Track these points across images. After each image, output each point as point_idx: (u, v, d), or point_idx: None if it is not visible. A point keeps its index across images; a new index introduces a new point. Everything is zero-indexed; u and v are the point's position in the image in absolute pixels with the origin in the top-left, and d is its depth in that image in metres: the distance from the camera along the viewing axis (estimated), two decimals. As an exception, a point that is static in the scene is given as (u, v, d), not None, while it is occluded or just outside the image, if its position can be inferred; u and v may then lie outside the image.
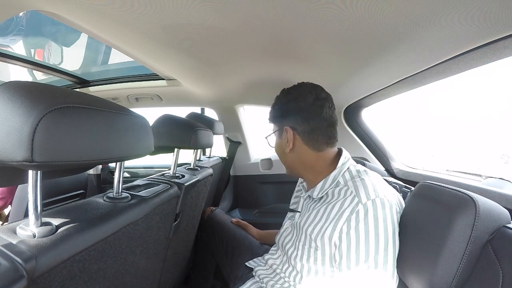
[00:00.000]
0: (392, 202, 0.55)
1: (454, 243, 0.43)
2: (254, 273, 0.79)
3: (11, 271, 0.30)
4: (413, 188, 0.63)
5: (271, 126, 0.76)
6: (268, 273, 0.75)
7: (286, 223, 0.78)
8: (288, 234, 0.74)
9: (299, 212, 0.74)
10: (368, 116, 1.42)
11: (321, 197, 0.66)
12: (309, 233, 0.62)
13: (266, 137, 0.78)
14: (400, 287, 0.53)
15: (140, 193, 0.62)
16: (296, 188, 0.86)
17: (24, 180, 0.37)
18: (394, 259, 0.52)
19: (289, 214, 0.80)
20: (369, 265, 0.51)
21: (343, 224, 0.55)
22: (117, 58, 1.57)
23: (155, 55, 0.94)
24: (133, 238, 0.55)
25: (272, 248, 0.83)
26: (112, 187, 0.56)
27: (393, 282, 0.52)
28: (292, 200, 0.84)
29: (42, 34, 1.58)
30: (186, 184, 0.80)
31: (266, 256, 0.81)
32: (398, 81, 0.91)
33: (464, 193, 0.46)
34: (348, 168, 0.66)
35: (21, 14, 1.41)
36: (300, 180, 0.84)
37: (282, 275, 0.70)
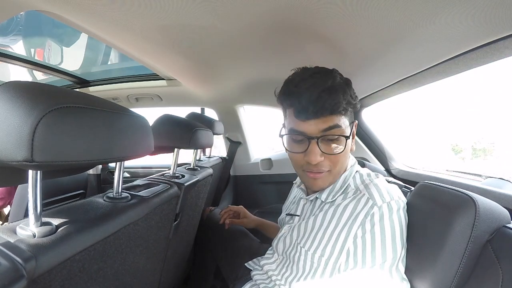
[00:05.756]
0: (404, 204, 0.54)
1: (454, 243, 0.43)
2: (251, 277, 0.78)
3: (11, 271, 0.30)
4: (413, 188, 0.63)
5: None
6: (263, 279, 0.73)
7: (284, 228, 0.74)
8: (286, 238, 0.71)
9: (298, 216, 0.71)
10: (368, 116, 1.42)
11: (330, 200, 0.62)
12: (318, 239, 0.59)
13: (348, 136, 0.56)
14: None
15: (140, 193, 0.62)
16: (293, 191, 0.82)
17: (24, 180, 0.37)
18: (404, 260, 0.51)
19: (286, 218, 0.77)
20: (384, 266, 0.49)
21: (358, 228, 0.52)
22: (117, 58, 1.57)
23: (155, 55, 0.94)
24: (133, 238, 0.55)
25: (268, 252, 0.80)
26: (112, 187, 0.56)
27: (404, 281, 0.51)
28: (289, 206, 0.80)
29: (42, 34, 1.58)
30: (186, 184, 0.80)
31: (262, 261, 0.78)
32: (398, 81, 0.91)
33: (464, 193, 0.46)
34: (357, 171, 0.63)
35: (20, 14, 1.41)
36: (297, 182, 0.78)
37: (278, 282, 0.67)
